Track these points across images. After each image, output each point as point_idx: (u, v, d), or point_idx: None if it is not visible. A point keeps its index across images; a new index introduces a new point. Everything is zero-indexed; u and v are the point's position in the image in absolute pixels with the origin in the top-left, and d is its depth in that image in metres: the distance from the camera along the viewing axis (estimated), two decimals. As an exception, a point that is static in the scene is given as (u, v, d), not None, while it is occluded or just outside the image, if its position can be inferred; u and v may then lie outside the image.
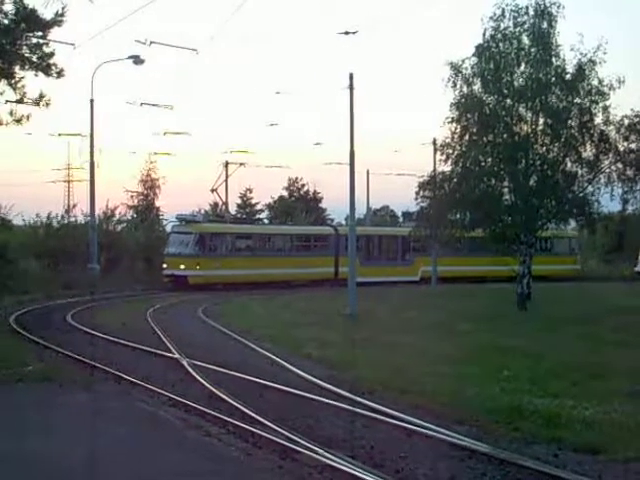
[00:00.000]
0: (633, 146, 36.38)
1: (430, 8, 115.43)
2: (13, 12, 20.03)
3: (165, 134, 62.47)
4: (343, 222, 63.43)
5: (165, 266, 61.19)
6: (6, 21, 19.78)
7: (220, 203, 75.53)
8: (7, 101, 28.13)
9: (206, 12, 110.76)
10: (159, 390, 18.10)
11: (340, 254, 63.42)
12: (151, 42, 45.84)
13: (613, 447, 12.90)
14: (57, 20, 19.51)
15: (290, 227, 73.59)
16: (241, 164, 70.71)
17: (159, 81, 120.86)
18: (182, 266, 59.66)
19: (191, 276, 59.25)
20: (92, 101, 53.31)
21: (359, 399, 16.88)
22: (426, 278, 65.62)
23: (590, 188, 41.06)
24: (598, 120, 40.09)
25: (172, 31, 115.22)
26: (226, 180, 72.26)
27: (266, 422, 14.60)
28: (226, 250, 62.97)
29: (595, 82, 39.90)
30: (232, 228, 67.12)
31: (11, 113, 28.70)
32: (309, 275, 63.74)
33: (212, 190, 67.61)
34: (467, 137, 41.12)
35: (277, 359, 23.02)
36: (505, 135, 40.63)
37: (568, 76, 40.21)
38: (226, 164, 70.98)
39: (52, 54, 25.17)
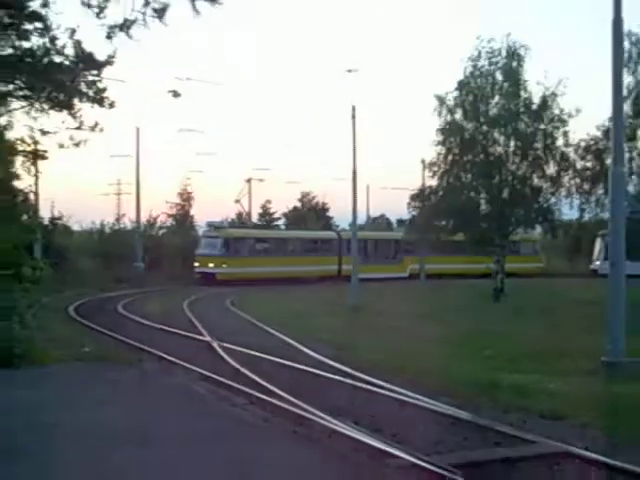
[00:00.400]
0: (589, 164, 36.62)
1: (419, 50, 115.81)
2: (74, 55, 20.09)
3: (197, 154, 62.66)
4: (347, 228, 63.02)
5: (197, 264, 61.55)
6: (67, 62, 19.82)
7: (244, 212, 75.51)
8: (67, 128, 28.25)
9: (233, 52, 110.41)
10: (193, 367, 18.14)
11: (342, 255, 64.11)
12: (187, 78, 46.06)
13: (573, 414, 12.96)
14: (109, 61, 19.63)
15: (301, 232, 73.45)
16: (260, 180, 71.07)
17: (193, 110, 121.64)
18: (211, 264, 60.04)
19: (218, 273, 59.58)
20: (138, 129, 53.63)
21: (361, 375, 16.91)
22: (413, 274, 66.05)
23: (553, 199, 41.47)
24: (559, 143, 40.52)
25: (204, 68, 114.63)
26: (249, 193, 72.59)
27: (282, 394, 14.60)
28: (248, 251, 62.95)
29: (557, 111, 40.37)
30: (253, 233, 67.95)
31: (71, 138, 28.92)
32: (317, 272, 63.31)
33: (236, 201, 68.12)
34: (450, 157, 41.67)
35: (292, 342, 23.03)
36: (482, 155, 40.96)
37: (534, 106, 40.60)
38: (249, 180, 71.38)
39: (105, 89, 25.23)
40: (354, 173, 42.31)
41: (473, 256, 52.17)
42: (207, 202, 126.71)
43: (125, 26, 6.65)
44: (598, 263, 60.35)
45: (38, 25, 20.78)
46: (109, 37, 6.67)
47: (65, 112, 26.79)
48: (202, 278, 59.69)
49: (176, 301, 39.22)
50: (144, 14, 6.61)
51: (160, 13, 6.59)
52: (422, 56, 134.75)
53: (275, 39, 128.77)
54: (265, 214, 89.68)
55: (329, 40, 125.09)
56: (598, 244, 60.27)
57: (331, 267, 65.24)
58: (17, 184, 28.53)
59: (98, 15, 6.66)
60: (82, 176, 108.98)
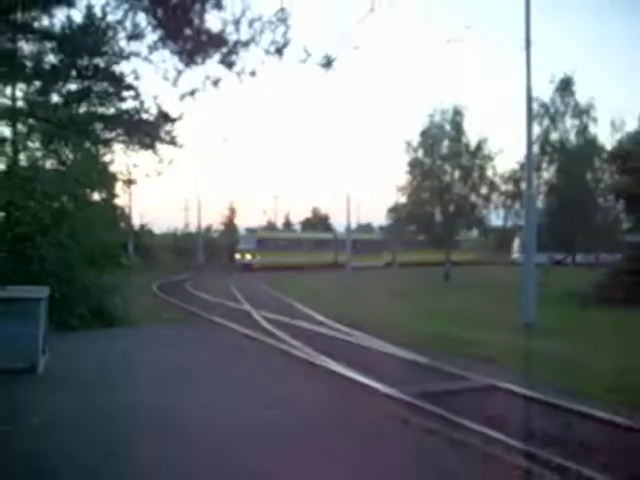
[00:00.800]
0: (510, 188, 36.77)
1: (396, 106, 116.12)
2: (156, 113, 20.25)
3: (240, 181, 63.04)
4: (343, 231, 62.97)
5: (238, 257, 61.64)
6: (151, 118, 19.97)
7: (272, 221, 75.77)
8: (151, 162, 28.49)
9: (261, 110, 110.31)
10: (237, 327, 18.14)
11: (337, 250, 63.78)
12: (233, 128, 46.46)
13: (501, 359, 12.94)
14: (179, 117, 19.80)
15: (309, 234, 73.77)
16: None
17: (237, 150, 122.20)
18: (248, 256, 59.79)
19: (254, 263, 59.37)
20: (199, 162, 53.83)
21: (353, 331, 16.92)
22: (387, 263, 66.10)
23: (485, 212, 41.47)
24: (489, 173, 40.63)
25: (245, 120, 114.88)
26: (275, 207, 73.04)
27: (299, 345, 14.63)
28: (273, 247, 62.64)
29: (487, 151, 40.43)
30: (277, 235, 67.80)
31: (154, 169, 29.14)
32: (319, 262, 63.16)
33: (264, 212, 68.79)
34: (415, 182, 41.90)
35: (307, 310, 23.01)
36: (436, 181, 41.03)
37: (471, 148, 40.60)
38: (275, 197, 71.99)
39: (176, 136, 25.36)
40: (347, 196, 43.41)
41: (431, 250, 52.37)
42: (245, 214, 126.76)
43: (192, 92, 6.69)
44: (516, 255, 60.64)
45: (132, 93, 20.86)
46: (181, 99, 6.73)
47: (150, 151, 26.96)
48: (242, 266, 59.81)
49: (225, 282, 39.29)
50: (205, 84, 6.63)
51: (216, 83, 6.62)
52: (396, 113, 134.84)
53: (290, 104, 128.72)
54: (287, 222, 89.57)
55: (324, 99, 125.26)
56: (516, 242, 60.38)
57: (329, 258, 65.20)
58: (117, 202, 28.68)
59: (174, 84, 6.71)
60: (162, 195, 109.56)
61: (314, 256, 64.06)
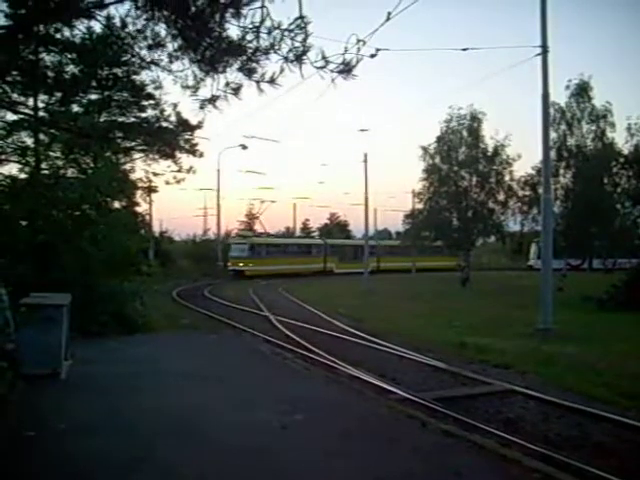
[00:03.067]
0: (527, 193, 36.40)
1: (410, 114, 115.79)
2: (175, 121, 20.42)
3: (260, 188, 62.78)
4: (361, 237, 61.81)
5: (230, 265, 56.14)
6: (171, 126, 20.14)
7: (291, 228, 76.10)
8: (171, 171, 28.73)
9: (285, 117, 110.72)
10: (257, 333, 18.21)
11: (326, 255, 62.84)
12: (251, 136, 46.68)
13: (516, 365, 12.95)
14: (199, 125, 19.92)
15: (298, 239, 69.89)
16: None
17: (257, 157, 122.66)
18: (241, 264, 54.99)
19: (246, 270, 54.66)
20: (219, 170, 54.00)
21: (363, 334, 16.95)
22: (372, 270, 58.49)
23: (502, 217, 41.23)
24: (507, 178, 40.31)
25: (262, 128, 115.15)
26: (294, 214, 73.00)
27: (318, 351, 14.69)
28: (266, 254, 57.50)
29: (504, 157, 40.19)
30: (271, 240, 61.63)
31: (174, 177, 29.56)
32: (307, 269, 58.94)
33: (256, 217, 65.14)
34: (432, 189, 41.74)
35: (325, 317, 23.03)
36: (453, 187, 40.88)
37: (489, 153, 40.44)
38: (294, 205, 72.07)
39: (197, 144, 25.61)
40: (366, 200, 43.78)
41: (446, 256, 52.21)
42: (266, 220, 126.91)
43: (212, 100, 6.75)
44: (533, 261, 60.24)
45: (152, 102, 21.10)
46: (201, 108, 6.78)
47: (170, 160, 27.25)
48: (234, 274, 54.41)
49: (244, 288, 39.35)
50: (225, 91, 6.69)
51: (236, 91, 6.67)
52: (412, 119, 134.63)
53: (307, 109, 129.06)
54: (305, 228, 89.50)
55: (346, 108, 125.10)
56: (533, 248, 60.03)
57: (318, 265, 61.55)
58: (138, 209, 29.04)
59: (194, 93, 6.78)
60: (181, 203, 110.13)
61: (301, 262, 59.13)
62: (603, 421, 8.70)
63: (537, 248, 58.75)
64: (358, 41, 6.55)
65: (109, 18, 7.20)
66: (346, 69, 6.32)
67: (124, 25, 6.83)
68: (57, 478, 6.18)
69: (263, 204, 58.36)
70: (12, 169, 19.65)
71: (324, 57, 6.21)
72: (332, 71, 6.32)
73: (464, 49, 17.98)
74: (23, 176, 18.78)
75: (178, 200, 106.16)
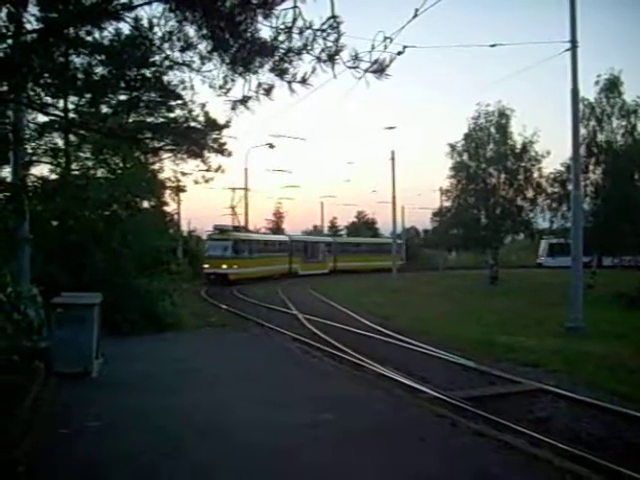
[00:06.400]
0: (556, 190, 35.95)
1: (437, 111, 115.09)
2: (204, 121, 20.53)
3: (286, 187, 62.87)
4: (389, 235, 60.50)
5: (206, 267, 45.88)
6: (199, 126, 20.23)
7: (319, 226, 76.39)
8: (200, 170, 28.88)
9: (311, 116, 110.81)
10: (285, 331, 18.25)
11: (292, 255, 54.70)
12: (279, 135, 46.81)
13: (545, 363, 12.86)
14: (227, 125, 19.92)
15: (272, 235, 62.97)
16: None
17: (283, 155, 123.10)
18: (224, 266, 44.11)
19: (230, 273, 44.49)
20: (246, 169, 54.05)
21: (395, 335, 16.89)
22: (330, 270, 57.06)
23: (531, 215, 40.82)
24: (535, 175, 39.83)
25: (289, 127, 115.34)
26: (321, 213, 72.88)
27: (346, 349, 14.67)
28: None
29: (533, 153, 39.74)
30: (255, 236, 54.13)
31: (202, 177, 29.71)
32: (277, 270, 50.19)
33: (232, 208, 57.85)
34: (459, 186, 41.46)
35: (351, 313, 23.00)
36: (481, 185, 40.58)
37: (517, 150, 40.04)
38: (321, 204, 72.16)
39: (225, 143, 25.65)
40: (393, 198, 43.94)
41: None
42: (292, 218, 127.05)
43: (244, 100, 6.77)
44: (542, 258, 59.77)
45: (180, 102, 21.19)
46: (233, 109, 6.80)
47: (198, 159, 27.38)
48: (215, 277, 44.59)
49: (272, 286, 39.41)
50: (257, 92, 6.70)
51: (268, 92, 6.68)
52: (439, 117, 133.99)
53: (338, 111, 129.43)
54: (333, 226, 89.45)
55: (373, 105, 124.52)
56: (542, 245, 59.50)
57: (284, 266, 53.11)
58: (166, 209, 29.24)
59: (225, 94, 6.80)
60: (209, 202, 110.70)
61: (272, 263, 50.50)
62: (636, 421, 8.59)
63: (547, 245, 58.24)
64: (385, 38, 6.52)
65: (137, 19, 7.25)
66: (379, 69, 6.28)
67: (151, 26, 6.87)
68: (90, 475, 6.25)
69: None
70: (43, 170, 19.93)
71: (357, 56, 6.18)
72: (365, 71, 6.29)
73: (492, 45, 17.91)
74: (54, 177, 19.03)
75: (206, 199, 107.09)
